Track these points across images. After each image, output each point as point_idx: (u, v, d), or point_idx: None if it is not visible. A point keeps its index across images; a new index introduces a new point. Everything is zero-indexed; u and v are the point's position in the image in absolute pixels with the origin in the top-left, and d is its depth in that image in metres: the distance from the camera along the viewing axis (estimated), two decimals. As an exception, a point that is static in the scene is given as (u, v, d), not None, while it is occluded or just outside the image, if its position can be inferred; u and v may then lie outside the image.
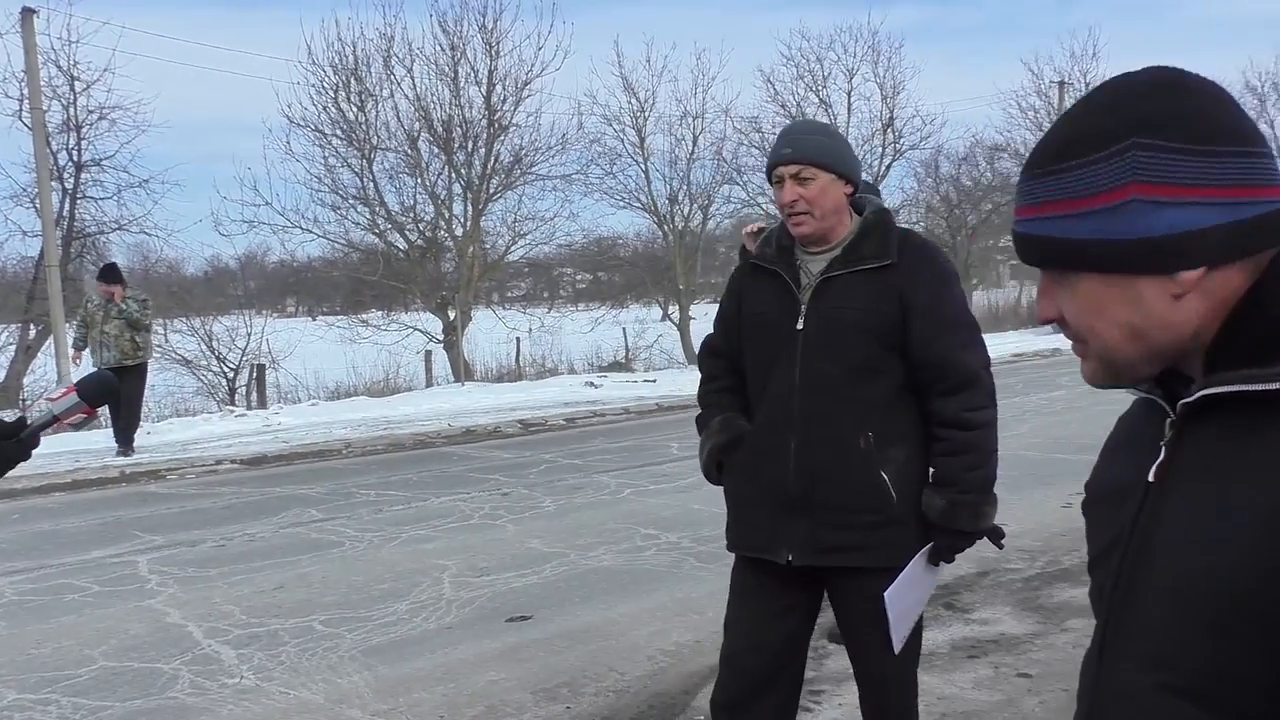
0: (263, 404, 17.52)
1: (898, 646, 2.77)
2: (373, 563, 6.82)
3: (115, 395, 2.38)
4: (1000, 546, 2.92)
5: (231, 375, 19.04)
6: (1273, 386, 0.99)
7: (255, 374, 18.59)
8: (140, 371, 12.41)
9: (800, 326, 2.79)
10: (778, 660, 2.91)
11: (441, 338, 20.89)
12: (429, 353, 20.52)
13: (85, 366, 12.33)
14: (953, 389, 2.75)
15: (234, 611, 5.89)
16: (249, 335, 19.22)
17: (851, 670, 3.03)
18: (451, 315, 20.75)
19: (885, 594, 2.70)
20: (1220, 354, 1.04)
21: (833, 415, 2.75)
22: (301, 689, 4.73)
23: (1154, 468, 1.09)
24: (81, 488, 10.31)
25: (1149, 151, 1.02)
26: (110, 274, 12.70)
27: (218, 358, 19.09)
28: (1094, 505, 1.21)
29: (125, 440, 12.25)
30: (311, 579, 6.50)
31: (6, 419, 2.23)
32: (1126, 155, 1.03)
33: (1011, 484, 8.04)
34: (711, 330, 3.17)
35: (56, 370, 15.90)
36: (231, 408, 17.02)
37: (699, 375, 3.20)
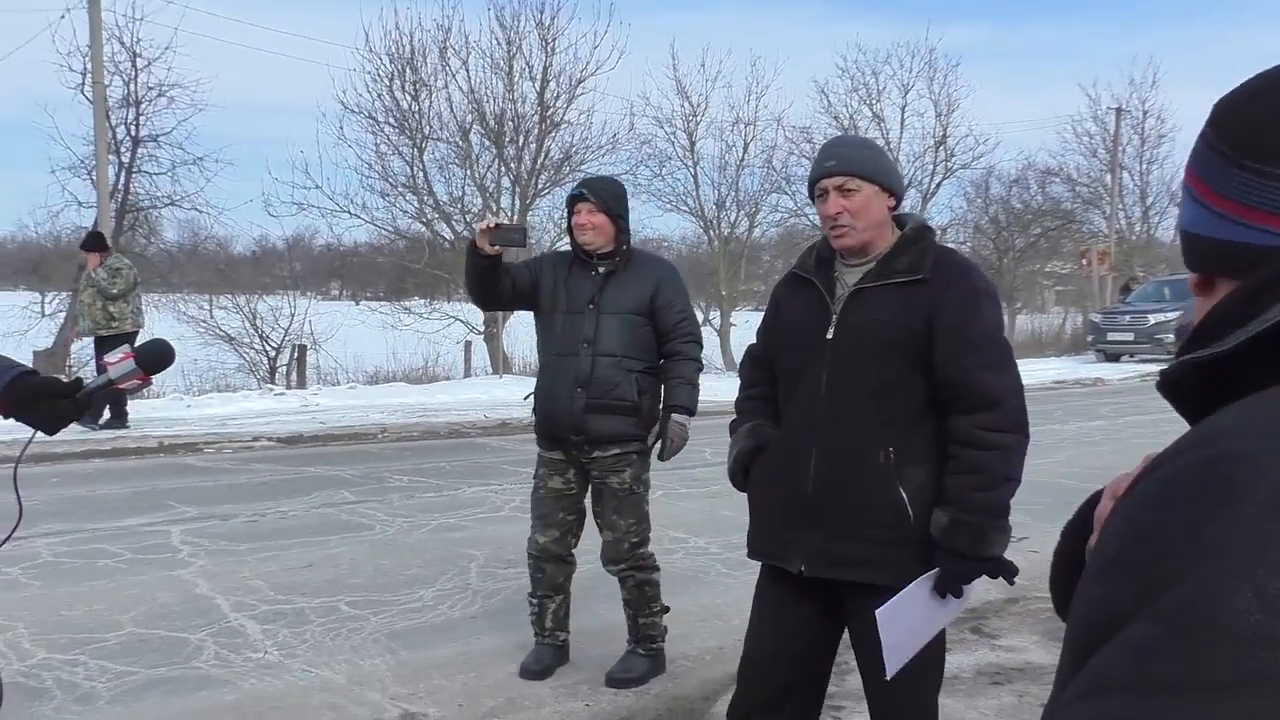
0: (302, 384, 17.66)
1: (890, 672, 2.66)
2: (401, 548, 6.85)
3: (170, 364, 2.40)
4: (1011, 583, 2.80)
5: (273, 354, 19.18)
6: (1180, 359, 0.93)
7: (296, 354, 18.73)
8: (120, 343, 11.55)
9: (830, 336, 2.77)
10: (794, 671, 2.87)
11: (482, 329, 20.98)
12: (469, 343, 20.60)
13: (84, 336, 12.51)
14: (970, 408, 2.68)
15: (262, 587, 5.93)
16: (292, 316, 19.33)
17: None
18: (512, 312, 20.78)
19: (878, 611, 2.61)
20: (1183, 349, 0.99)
21: (854, 427, 2.72)
22: (324, 668, 4.75)
23: None
24: (120, 455, 10.43)
25: (1205, 144, 0.97)
26: (90, 241, 12.58)
27: (260, 336, 19.23)
28: None
29: (117, 413, 11.97)
30: (340, 560, 6.53)
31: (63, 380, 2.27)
32: (1198, 141, 0.98)
33: (1043, 512, 7.96)
34: (755, 339, 3.17)
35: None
36: (271, 386, 17.16)
37: (738, 382, 3.19)
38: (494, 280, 4.38)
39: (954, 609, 2.75)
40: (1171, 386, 0.95)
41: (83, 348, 17.68)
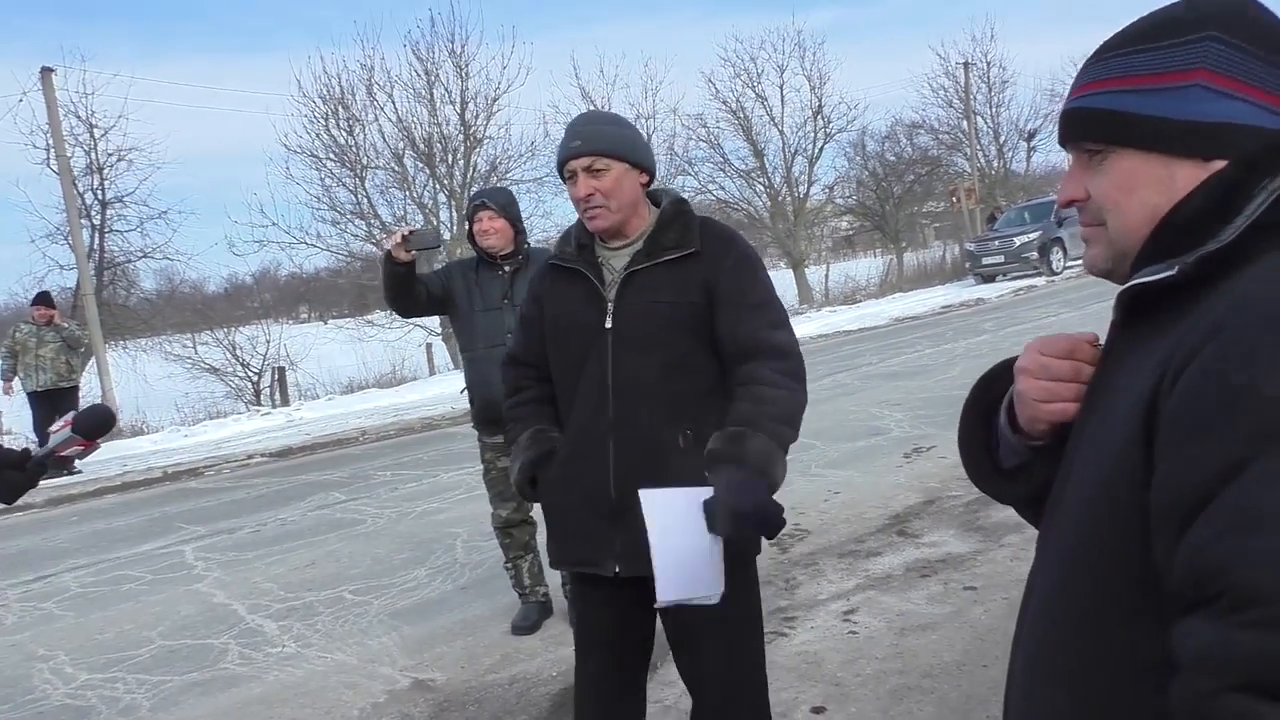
0: (285, 402, 17.39)
1: (661, 598, 2.13)
2: (392, 536, 6.78)
3: (111, 428, 2.30)
4: (771, 537, 2.20)
5: (256, 378, 18.87)
6: (1146, 280, 0.98)
7: (277, 376, 18.44)
8: (74, 395, 11.48)
9: (609, 324, 2.34)
10: (625, 675, 2.55)
11: (440, 331, 20.78)
12: (429, 345, 20.42)
13: (19, 394, 11.64)
14: (764, 356, 2.31)
15: (273, 588, 5.85)
16: (268, 342, 19.05)
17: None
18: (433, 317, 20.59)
19: (642, 491, 2.15)
20: (1140, 257, 1.02)
21: (649, 414, 2.31)
22: (338, 652, 4.71)
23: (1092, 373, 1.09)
24: (130, 489, 10.22)
25: (1223, 45, 0.98)
26: (46, 299, 11.90)
27: (242, 364, 18.92)
28: None
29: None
30: (339, 555, 6.46)
31: (15, 449, 2.19)
32: (1200, 44, 0.99)
33: (944, 422, 8.11)
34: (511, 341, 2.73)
35: (101, 389, 15.73)
36: (258, 407, 16.88)
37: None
38: (409, 288, 4.31)
39: (718, 561, 2.17)
40: (1170, 288, 0.96)
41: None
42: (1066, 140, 1.10)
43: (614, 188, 2.34)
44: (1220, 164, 0.98)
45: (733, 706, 2.41)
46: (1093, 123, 1.05)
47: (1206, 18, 0.99)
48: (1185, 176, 0.99)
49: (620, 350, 2.34)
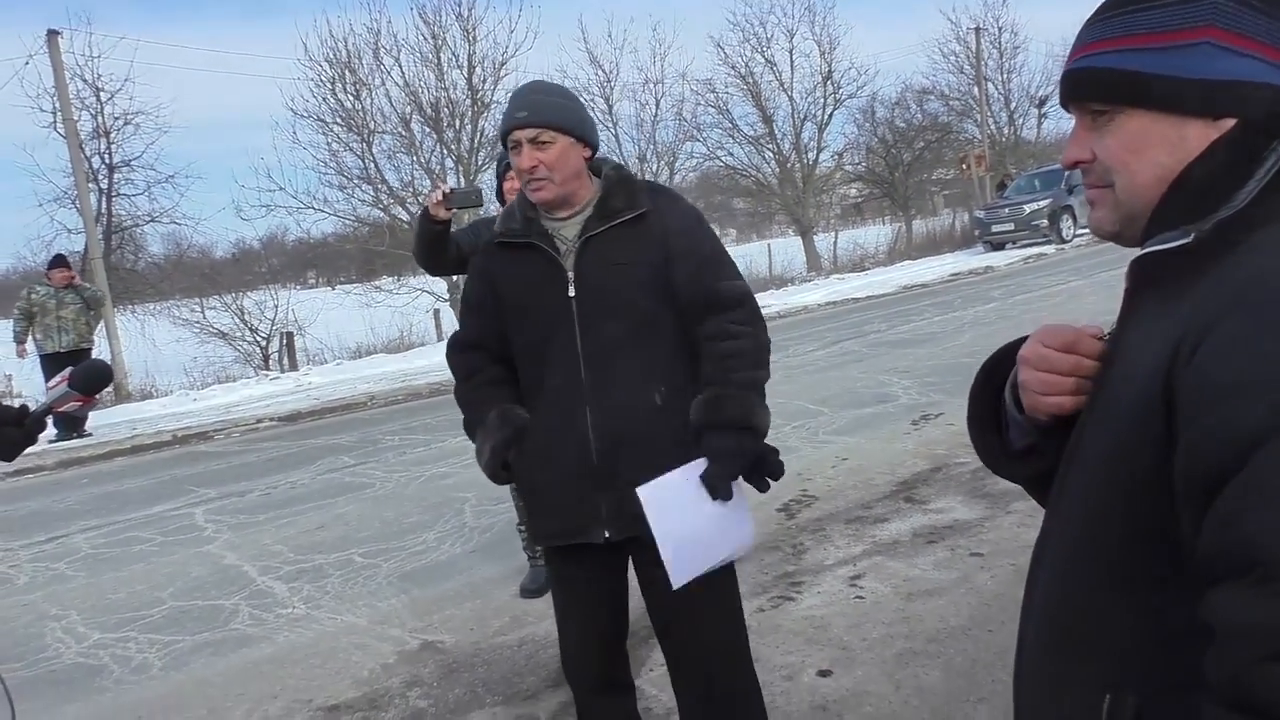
0: (294, 367, 17.42)
1: (676, 581, 2.25)
2: (401, 500, 6.81)
3: (108, 383, 2.27)
4: (775, 479, 2.32)
5: (264, 343, 18.88)
6: (1160, 247, 0.96)
7: (285, 341, 18.45)
8: (89, 357, 11.46)
9: (572, 293, 2.33)
10: (612, 647, 2.58)
11: (447, 296, 20.76)
12: (437, 311, 20.40)
13: (33, 357, 11.52)
14: (720, 309, 2.34)
15: (283, 551, 5.89)
16: (276, 307, 19.04)
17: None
18: (454, 276, 20.55)
19: (640, 489, 2.22)
20: (1153, 222, 1.01)
21: (623, 376, 2.31)
22: (347, 614, 4.75)
23: (1105, 340, 1.07)
24: (140, 451, 10.27)
25: (1232, 1, 0.95)
26: (63, 261, 11.86)
27: (250, 329, 18.93)
28: None
29: (71, 423, 10.97)
30: (348, 518, 6.49)
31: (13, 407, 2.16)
32: (1207, 1, 0.96)
33: (953, 388, 8.10)
34: (458, 327, 2.65)
35: (110, 352, 15.78)
36: (266, 372, 16.93)
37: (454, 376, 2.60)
38: (443, 246, 4.25)
39: (736, 518, 2.30)
40: (1184, 253, 0.95)
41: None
42: (1070, 101, 1.07)
43: (558, 161, 2.32)
44: (1230, 122, 0.96)
45: (725, 683, 2.46)
46: (1099, 83, 1.02)
47: None
48: (1196, 136, 0.97)
49: (587, 318, 2.32)
